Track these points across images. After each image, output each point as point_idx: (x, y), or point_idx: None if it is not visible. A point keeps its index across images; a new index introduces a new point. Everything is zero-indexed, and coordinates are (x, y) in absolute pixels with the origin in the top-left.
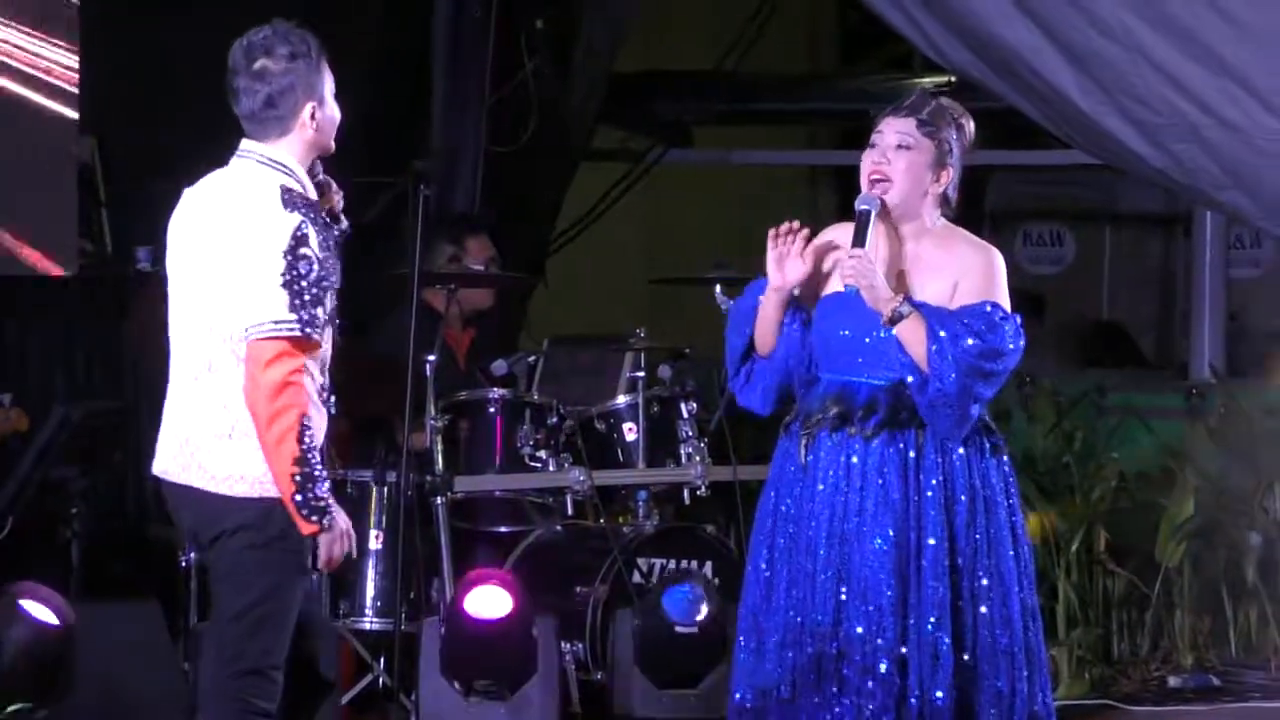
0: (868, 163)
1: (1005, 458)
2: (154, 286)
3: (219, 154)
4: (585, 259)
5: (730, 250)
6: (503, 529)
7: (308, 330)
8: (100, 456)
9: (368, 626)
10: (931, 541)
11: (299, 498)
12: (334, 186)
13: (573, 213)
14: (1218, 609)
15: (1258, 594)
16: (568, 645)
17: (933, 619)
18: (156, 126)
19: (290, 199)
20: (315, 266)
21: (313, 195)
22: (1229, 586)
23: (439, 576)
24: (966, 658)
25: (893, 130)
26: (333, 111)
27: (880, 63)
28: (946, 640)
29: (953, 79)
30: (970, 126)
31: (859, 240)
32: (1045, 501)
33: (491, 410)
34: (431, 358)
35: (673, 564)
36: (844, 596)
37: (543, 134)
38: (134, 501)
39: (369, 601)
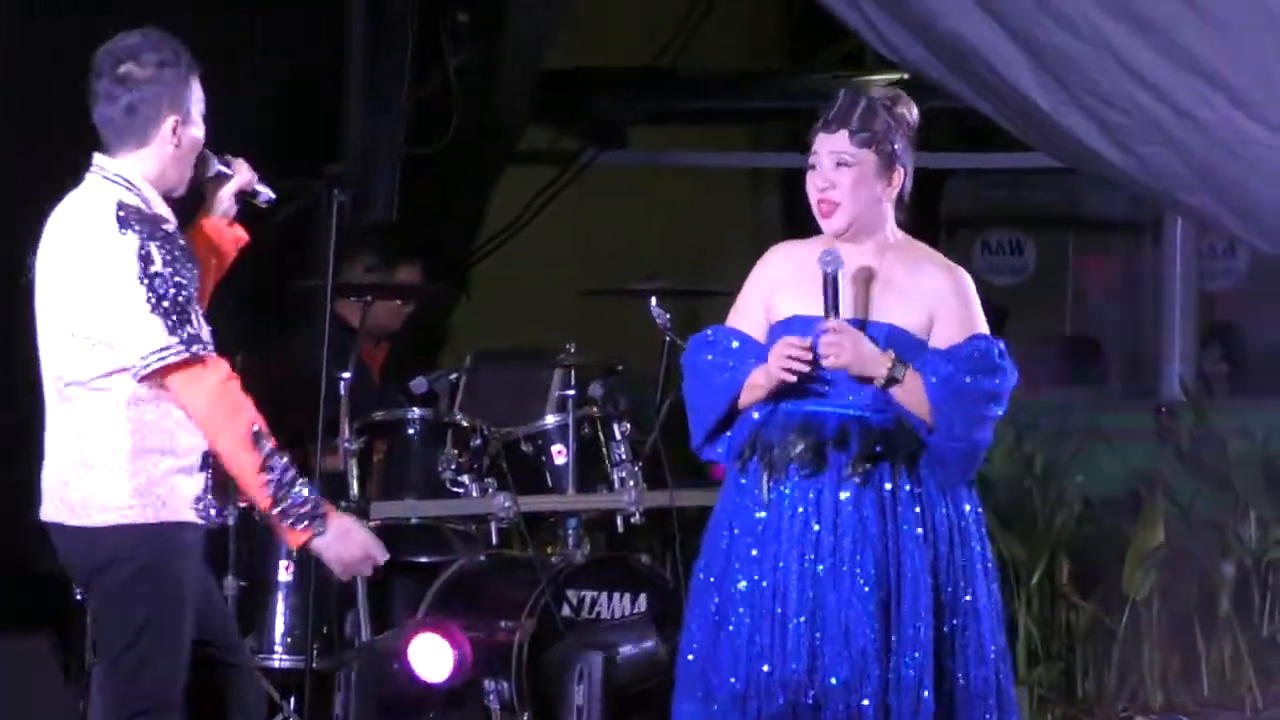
0: (813, 189)
1: (974, 489)
2: None
3: None
4: (511, 268)
5: (667, 258)
6: (422, 559)
7: (194, 349)
8: None
9: (277, 664)
10: (911, 578)
11: (276, 510)
12: (239, 162)
13: (498, 219)
14: (1189, 644)
15: (1231, 628)
16: (491, 684)
17: (913, 663)
18: (50, 127)
19: (125, 217)
20: (170, 282)
21: (159, 209)
22: (1201, 620)
23: (354, 610)
24: (942, 703)
25: (827, 150)
26: (197, 132)
27: (829, 59)
28: (929, 685)
29: (906, 76)
30: (910, 112)
31: (831, 308)
32: (1004, 529)
33: (410, 431)
34: (346, 375)
35: (604, 596)
36: (819, 642)
37: (466, 134)
38: (26, 529)
39: (278, 638)
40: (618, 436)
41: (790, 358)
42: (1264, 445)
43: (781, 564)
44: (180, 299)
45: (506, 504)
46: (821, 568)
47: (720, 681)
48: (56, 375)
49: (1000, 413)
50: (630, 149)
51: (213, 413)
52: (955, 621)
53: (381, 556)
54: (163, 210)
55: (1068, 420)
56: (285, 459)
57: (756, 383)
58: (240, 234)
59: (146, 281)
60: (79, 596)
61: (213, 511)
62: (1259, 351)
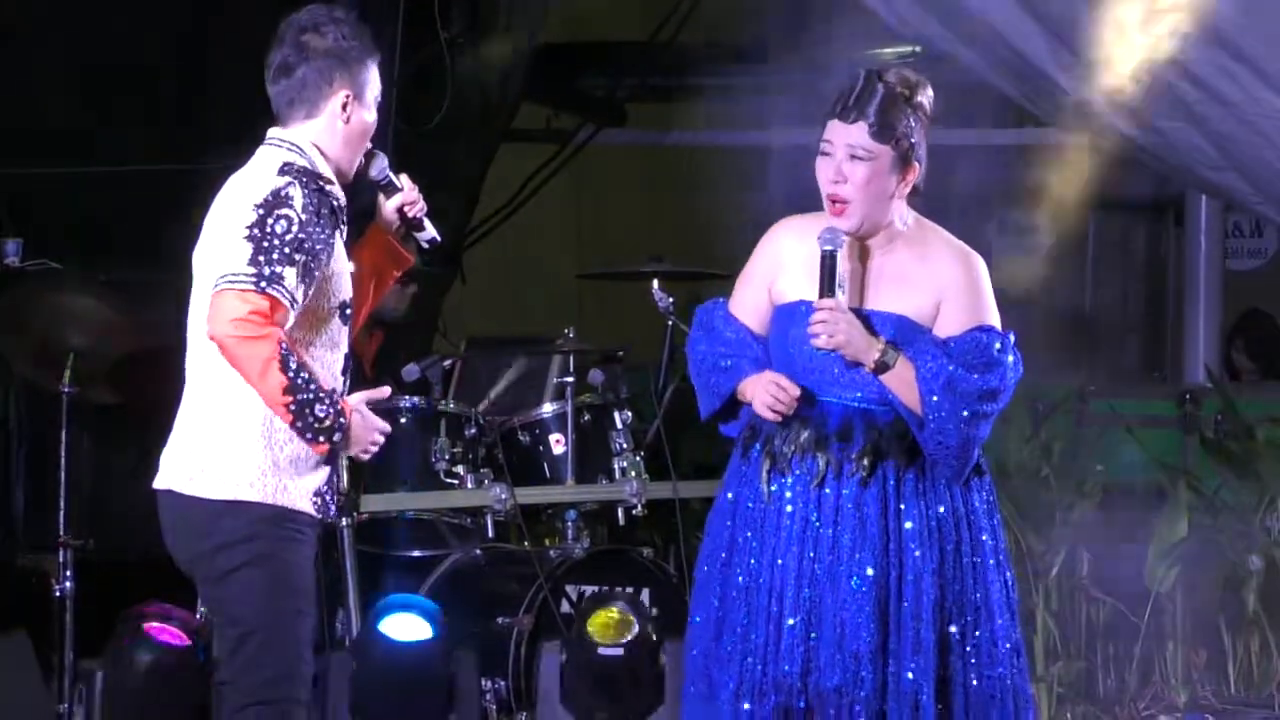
0: (824, 179)
1: (986, 477)
2: (24, 283)
3: (106, 137)
4: (507, 251)
5: (668, 240)
6: (415, 553)
7: (263, 285)
8: None
9: None
10: (913, 578)
11: (299, 424)
12: (406, 178)
13: (493, 199)
14: (1214, 640)
15: (1259, 622)
16: (488, 682)
17: (913, 667)
18: (29, 106)
19: (288, 169)
20: (294, 227)
21: (324, 173)
22: (1226, 615)
23: (344, 607)
24: (948, 707)
25: (843, 142)
26: (369, 116)
27: (836, 32)
28: (928, 690)
29: (918, 49)
30: (928, 97)
31: (827, 288)
32: (1020, 519)
33: (402, 421)
34: None
35: (605, 590)
36: (814, 643)
37: (459, 112)
38: (2, 525)
39: None
40: (618, 425)
41: (775, 397)
42: None
43: (780, 560)
44: (291, 244)
45: (503, 496)
46: (819, 567)
47: (720, 679)
48: (197, 333)
49: (997, 409)
50: (630, 127)
51: (245, 331)
52: (965, 620)
53: (386, 427)
54: (329, 175)
55: (1087, 407)
56: (310, 378)
57: (746, 395)
58: (407, 256)
59: (261, 211)
60: (58, 593)
61: (331, 508)
62: None
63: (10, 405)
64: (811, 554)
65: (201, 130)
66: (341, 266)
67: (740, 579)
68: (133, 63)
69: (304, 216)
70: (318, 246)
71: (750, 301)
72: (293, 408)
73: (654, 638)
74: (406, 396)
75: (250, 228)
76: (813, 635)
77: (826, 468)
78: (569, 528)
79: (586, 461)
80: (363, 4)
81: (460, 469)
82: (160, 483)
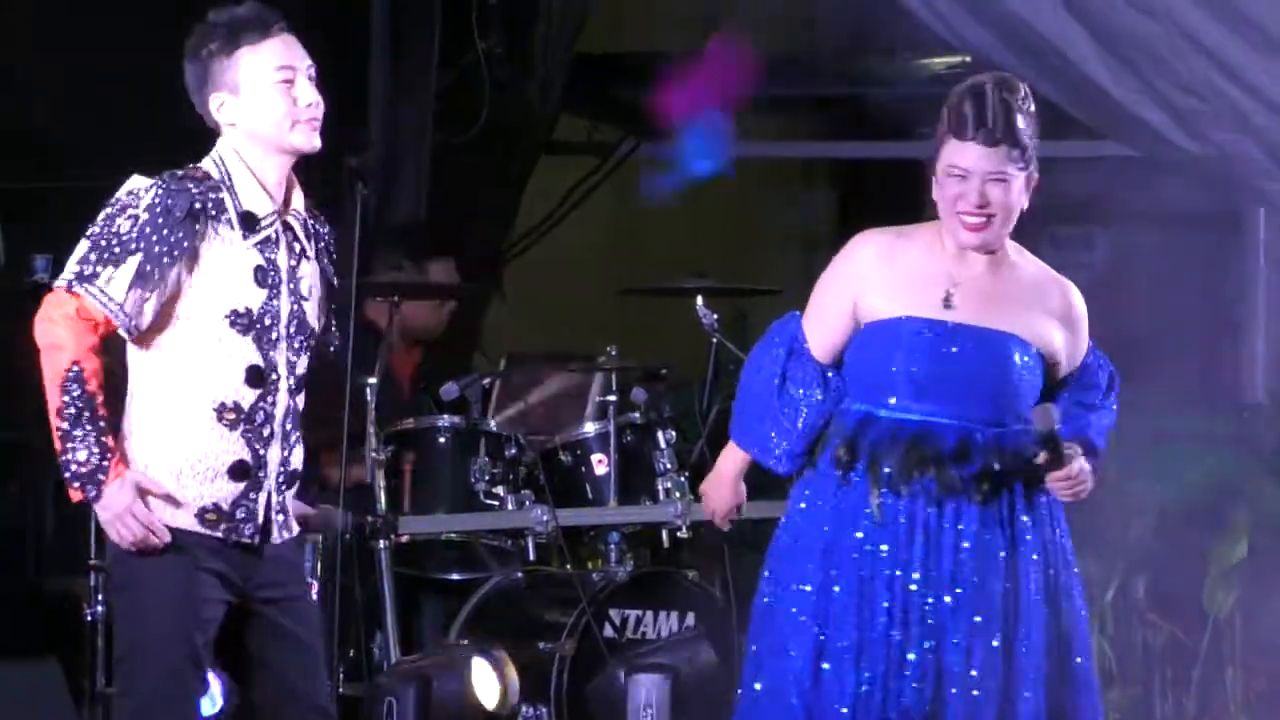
0: (960, 202)
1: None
2: None
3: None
4: (547, 267)
5: (713, 256)
6: (454, 576)
7: (75, 286)
8: None
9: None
10: (1027, 604)
11: (62, 456)
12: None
13: (533, 214)
14: (1274, 665)
15: None
16: (530, 710)
17: (1028, 697)
18: (58, 119)
19: (164, 175)
20: (132, 227)
21: (233, 181)
22: None
23: (381, 631)
24: None
25: (983, 169)
26: (263, 94)
27: (885, 42)
28: None
29: (968, 59)
30: (1032, 101)
31: (1060, 458)
32: (1074, 542)
33: (441, 440)
34: (372, 380)
35: (649, 615)
36: (937, 681)
37: (497, 124)
38: (31, 547)
39: None
40: (662, 445)
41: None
42: None
43: (898, 589)
44: (120, 243)
45: (544, 517)
46: (948, 598)
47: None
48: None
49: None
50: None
51: (41, 337)
52: (1071, 647)
53: (160, 536)
54: (239, 180)
55: (1144, 425)
56: (89, 412)
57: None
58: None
59: (106, 211)
60: (89, 617)
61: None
62: None
63: (40, 426)
64: (935, 581)
65: None
66: (229, 272)
67: (847, 609)
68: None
69: (146, 216)
70: (161, 248)
71: (831, 319)
72: (59, 433)
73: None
74: (445, 416)
75: (92, 226)
76: (935, 672)
77: (946, 490)
78: (612, 550)
79: (629, 482)
80: (396, 12)
81: (500, 490)
82: None
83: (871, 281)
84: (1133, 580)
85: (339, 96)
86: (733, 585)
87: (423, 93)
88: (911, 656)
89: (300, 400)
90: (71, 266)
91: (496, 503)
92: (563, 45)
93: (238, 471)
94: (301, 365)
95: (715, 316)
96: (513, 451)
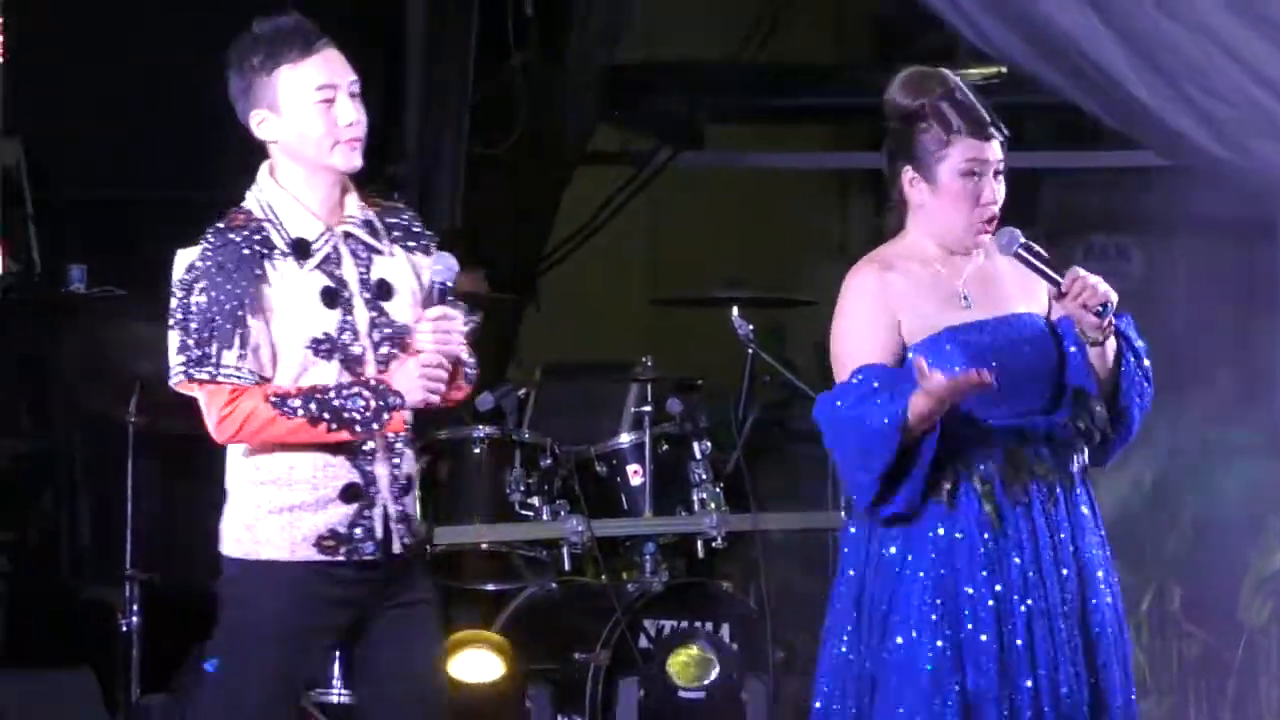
0: (979, 199)
1: None
2: (90, 311)
3: (169, 161)
4: (582, 277)
5: (747, 265)
6: (489, 586)
7: (192, 371)
8: (28, 505)
9: (335, 699)
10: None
11: (358, 427)
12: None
13: (568, 224)
14: None
15: None
16: (564, 719)
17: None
18: (94, 129)
19: (209, 231)
20: (207, 298)
21: (271, 213)
22: None
23: None
24: None
25: (995, 162)
26: (298, 113)
27: (919, 52)
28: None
29: (1002, 70)
30: None
31: (1052, 269)
32: (1110, 551)
33: (476, 451)
34: None
35: (684, 625)
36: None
37: (533, 134)
38: (67, 557)
39: (336, 671)
40: (697, 456)
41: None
42: None
43: (1038, 596)
44: (206, 318)
45: (579, 528)
46: (1066, 602)
47: None
48: None
49: None
50: (707, 149)
51: (225, 431)
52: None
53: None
54: (276, 208)
55: (1179, 436)
56: (316, 394)
57: (921, 411)
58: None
59: (178, 294)
60: (124, 627)
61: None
62: None
63: (76, 435)
64: (1058, 590)
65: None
66: (297, 302)
67: (983, 636)
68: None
69: (206, 283)
70: (231, 303)
71: (885, 349)
72: (336, 429)
73: (733, 676)
74: (480, 426)
75: (172, 313)
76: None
77: (1053, 489)
78: (647, 560)
79: (665, 493)
80: (432, 23)
81: (535, 500)
82: None
83: (900, 304)
84: (1168, 590)
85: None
86: (766, 595)
87: (458, 104)
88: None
89: None
90: (176, 361)
91: (531, 513)
92: (599, 56)
93: (349, 494)
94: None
95: (751, 327)
96: (548, 462)
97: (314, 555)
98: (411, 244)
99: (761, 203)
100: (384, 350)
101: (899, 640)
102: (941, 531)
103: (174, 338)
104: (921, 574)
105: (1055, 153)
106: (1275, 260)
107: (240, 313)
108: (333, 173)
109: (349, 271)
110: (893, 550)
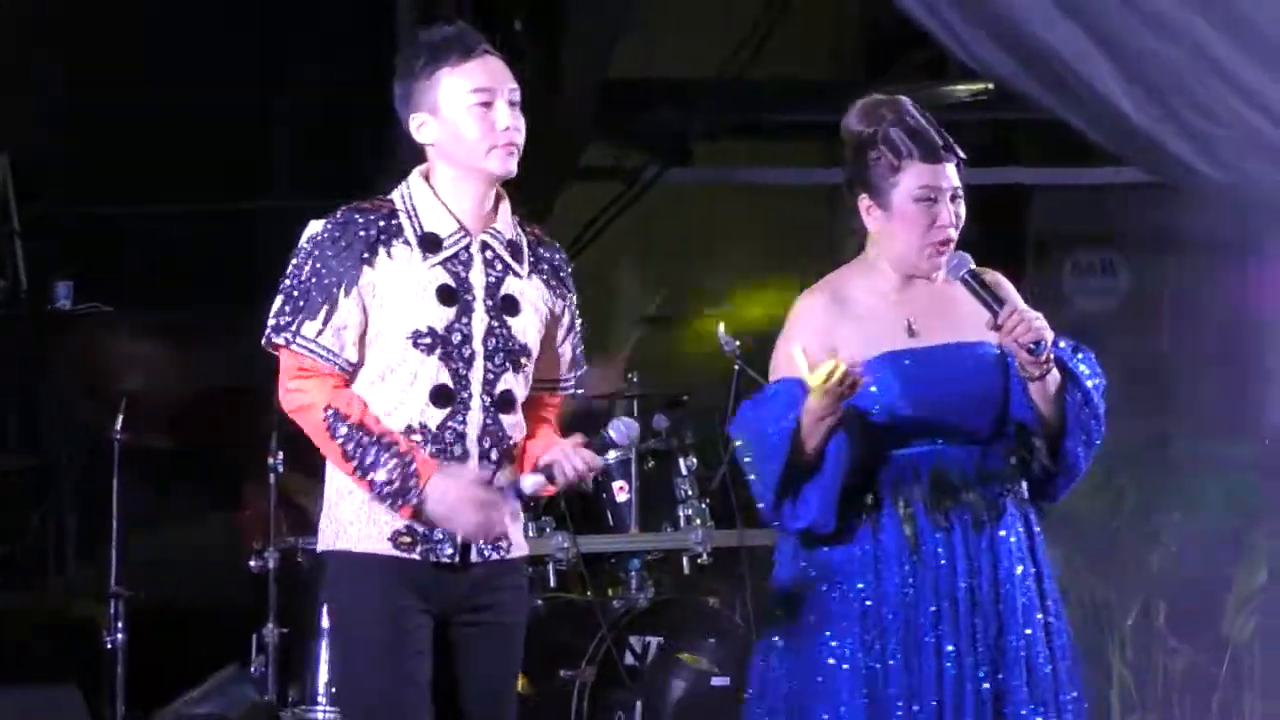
0: (935, 226)
1: None
2: (76, 327)
3: (157, 176)
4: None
5: (736, 282)
6: None
7: (272, 335)
8: (15, 522)
9: (320, 716)
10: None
11: (374, 495)
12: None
13: (558, 239)
14: None
15: None
16: None
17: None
18: (81, 143)
19: (345, 208)
20: (313, 270)
21: (412, 205)
22: None
23: None
24: None
25: (950, 185)
26: (460, 117)
27: (910, 68)
28: None
29: (990, 86)
30: None
31: (994, 300)
32: (1091, 570)
33: None
34: None
35: (670, 641)
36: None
37: (526, 150)
38: (55, 573)
39: (322, 688)
40: (683, 472)
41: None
42: None
43: (941, 629)
44: (305, 287)
45: (565, 544)
46: (976, 637)
47: None
48: None
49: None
50: (697, 165)
51: (289, 403)
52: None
53: (505, 506)
54: (418, 203)
55: (1164, 452)
56: (366, 437)
57: (813, 410)
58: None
59: (294, 258)
60: (109, 644)
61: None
62: None
63: (62, 452)
64: (971, 617)
65: (264, 170)
66: (409, 293)
67: (892, 648)
68: (195, 102)
69: (317, 254)
70: (330, 279)
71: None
72: (356, 476)
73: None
74: None
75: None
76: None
77: (979, 518)
78: (633, 577)
79: (651, 509)
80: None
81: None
82: None
83: (835, 332)
84: (1153, 606)
85: (367, 120)
86: (752, 610)
87: None
88: (987, 686)
89: (507, 419)
90: (270, 322)
91: None
92: (589, 71)
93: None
94: (505, 384)
95: (737, 343)
96: None
97: (390, 550)
98: (553, 283)
99: (750, 218)
100: (498, 360)
101: (829, 661)
102: (866, 549)
103: (277, 299)
104: (846, 592)
105: (1044, 169)
106: (1260, 277)
107: (335, 290)
108: (486, 178)
109: (476, 276)
110: (815, 569)
